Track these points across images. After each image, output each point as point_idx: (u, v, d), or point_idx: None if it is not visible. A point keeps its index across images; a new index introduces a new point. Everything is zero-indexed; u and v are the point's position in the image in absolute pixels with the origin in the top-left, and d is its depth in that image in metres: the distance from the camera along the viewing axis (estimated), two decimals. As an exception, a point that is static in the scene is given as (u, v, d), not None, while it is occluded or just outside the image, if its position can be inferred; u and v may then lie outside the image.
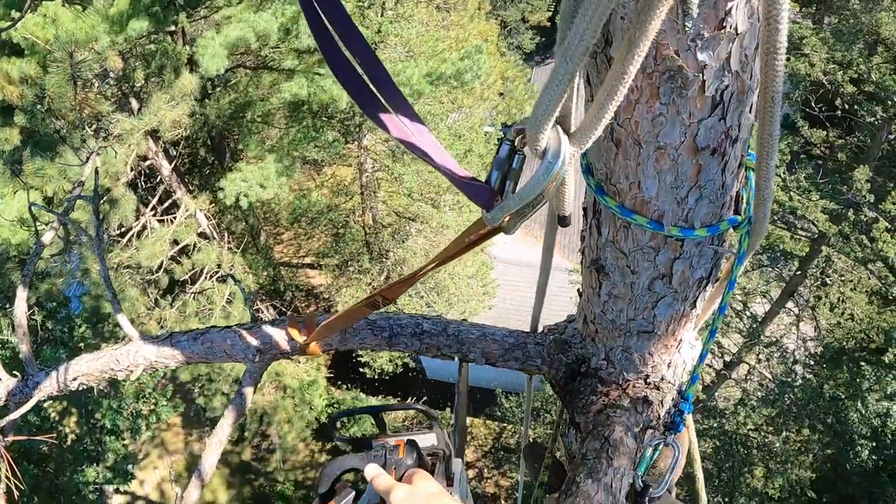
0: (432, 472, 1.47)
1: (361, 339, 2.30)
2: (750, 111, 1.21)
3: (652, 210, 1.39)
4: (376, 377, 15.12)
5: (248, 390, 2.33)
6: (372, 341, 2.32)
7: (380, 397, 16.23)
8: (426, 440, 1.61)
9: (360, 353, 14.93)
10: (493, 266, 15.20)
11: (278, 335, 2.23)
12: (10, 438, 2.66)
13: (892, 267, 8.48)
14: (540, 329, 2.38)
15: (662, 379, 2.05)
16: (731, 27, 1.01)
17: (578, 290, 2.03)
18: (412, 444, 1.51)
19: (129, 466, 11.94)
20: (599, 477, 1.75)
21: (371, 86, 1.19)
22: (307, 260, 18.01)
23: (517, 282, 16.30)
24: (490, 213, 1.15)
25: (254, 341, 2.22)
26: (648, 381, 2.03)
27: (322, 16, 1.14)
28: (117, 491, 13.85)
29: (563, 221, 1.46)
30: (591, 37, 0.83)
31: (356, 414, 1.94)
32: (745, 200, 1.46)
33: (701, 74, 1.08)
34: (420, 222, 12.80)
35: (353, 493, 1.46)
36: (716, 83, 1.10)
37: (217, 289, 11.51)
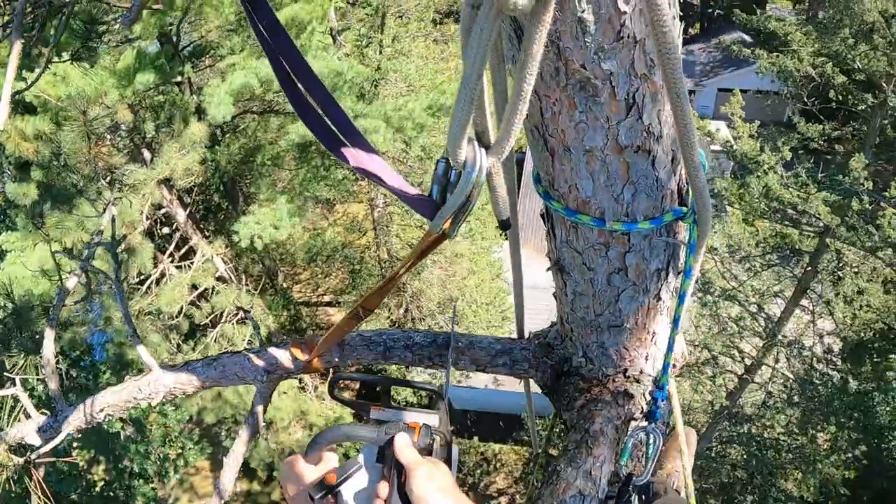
0: (430, 453, 1.52)
1: (358, 354, 2.40)
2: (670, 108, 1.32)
3: (593, 208, 1.49)
4: (403, 405, 15.14)
5: (259, 409, 2.45)
6: (368, 356, 2.41)
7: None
8: (430, 420, 1.64)
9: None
10: (509, 292, 15.24)
11: (283, 356, 2.34)
12: (42, 461, 2.78)
13: None
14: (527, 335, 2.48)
15: (641, 372, 2.13)
16: (628, 36, 1.12)
17: (554, 293, 2.13)
18: (428, 430, 1.54)
19: (160, 512, 12.07)
20: (579, 465, 1.83)
21: (331, 125, 1.34)
22: (326, 298, 18.13)
23: (537, 307, 16.22)
24: (432, 222, 1.27)
25: (261, 363, 2.33)
26: (627, 374, 2.12)
27: (289, 70, 1.30)
28: (148, 535, 13.95)
29: (504, 225, 1.55)
30: (481, 65, 0.95)
31: (364, 381, 1.90)
32: (687, 196, 1.55)
33: (609, 82, 1.19)
34: (434, 253, 12.91)
35: (361, 465, 1.45)
36: (625, 87, 1.21)
37: (237, 331, 11.66)
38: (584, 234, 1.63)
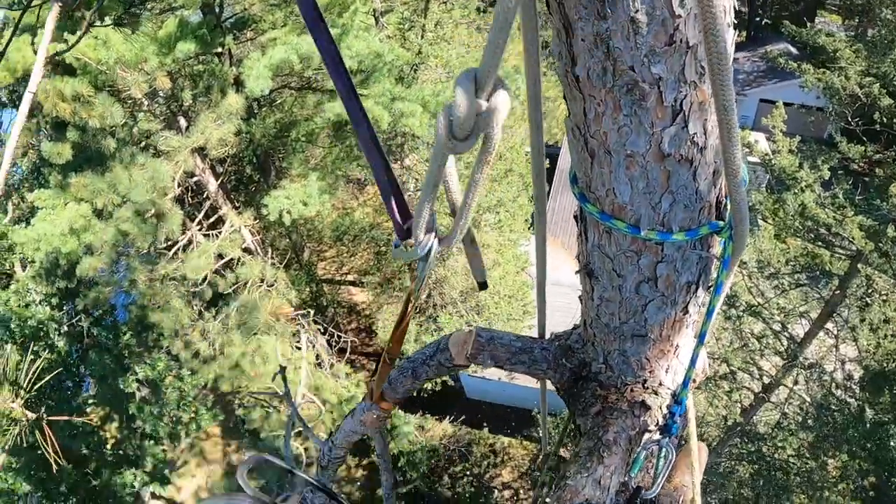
0: None
1: (403, 385, 2.55)
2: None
3: (629, 215, 1.45)
4: (416, 394, 15.18)
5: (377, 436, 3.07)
6: (406, 383, 2.54)
7: (418, 414, 16.25)
8: None
9: (398, 370, 15.00)
10: (532, 286, 15.18)
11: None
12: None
13: None
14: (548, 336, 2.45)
15: (661, 384, 2.09)
16: (680, 41, 1.10)
17: (579, 296, 2.10)
18: None
19: (167, 472, 12.18)
20: (589, 473, 1.81)
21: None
22: (349, 277, 18.21)
23: (557, 302, 16.18)
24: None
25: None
26: (647, 385, 2.08)
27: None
28: (154, 495, 14.09)
29: (481, 286, 1.88)
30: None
31: (274, 467, 1.82)
32: (726, 210, 1.50)
33: (657, 86, 1.16)
34: (462, 242, 12.86)
35: None
36: (673, 94, 1.18)
37: (260, 303, 11.76)
38: (617, 239, 1.59)
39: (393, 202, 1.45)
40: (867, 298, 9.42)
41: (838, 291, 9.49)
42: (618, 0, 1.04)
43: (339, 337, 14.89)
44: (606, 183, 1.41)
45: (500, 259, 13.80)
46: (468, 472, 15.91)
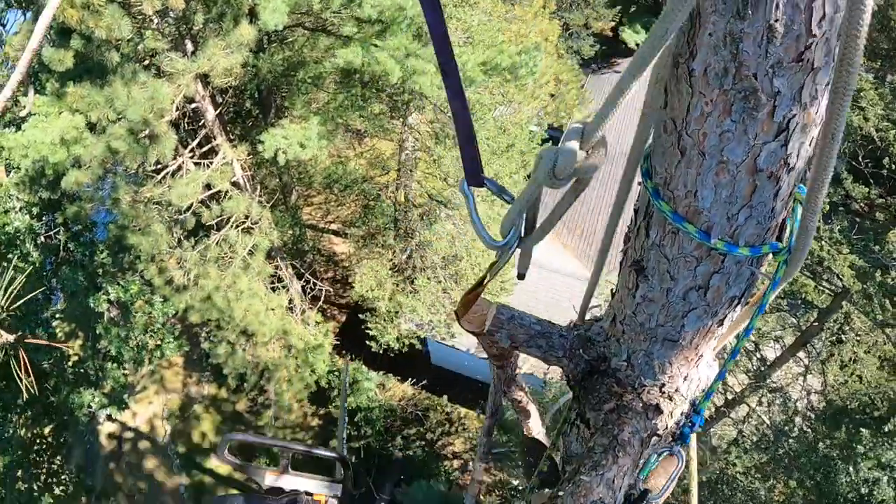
0: None
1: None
2: (810, 144, 1.27)
3: (703, 221, 1.42)
4: (381, 352, 15.18)
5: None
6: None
7: (381, 373, 16.30)
8: (334, 489, 1.56)
9: (368, 325, 14.97)
10: (513, 265, 15.19)
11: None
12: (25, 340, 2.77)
13: None
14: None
15: (677, 390, 2.08)
16: (808, 61, 1.08)
17: (612, 290, 2.06)
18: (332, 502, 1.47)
19: (126, 396, 12.11)
20: (602, 472, 1.79)
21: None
22: (334, 226, 18.07)
23: (537, 283, 16.27)
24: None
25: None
26: (663, 390, 2.06)
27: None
28: (109, 418, 14.05)
29: (520, 277, 1.98)
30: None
31: (256, 446, 1.73)
32: (788, 230, 1.50)
33: (773, 100, 1.15)
34: (451, 208, 12.81)
35: None
36: (784, 111, 1.16)
37: (241, 239, 11.62)
38: (682, 243, 1.55)
39: (468, 152, 1.55)
40: (842, 335, 9.57)
41: (816, 323, 9.62)
42: (760, 4, 1.02)
43: (315, 284, 14.81)
44: (689, 185, 1.38)
45: (486, 232, 13.75)
46: (422, 437, 16.03)
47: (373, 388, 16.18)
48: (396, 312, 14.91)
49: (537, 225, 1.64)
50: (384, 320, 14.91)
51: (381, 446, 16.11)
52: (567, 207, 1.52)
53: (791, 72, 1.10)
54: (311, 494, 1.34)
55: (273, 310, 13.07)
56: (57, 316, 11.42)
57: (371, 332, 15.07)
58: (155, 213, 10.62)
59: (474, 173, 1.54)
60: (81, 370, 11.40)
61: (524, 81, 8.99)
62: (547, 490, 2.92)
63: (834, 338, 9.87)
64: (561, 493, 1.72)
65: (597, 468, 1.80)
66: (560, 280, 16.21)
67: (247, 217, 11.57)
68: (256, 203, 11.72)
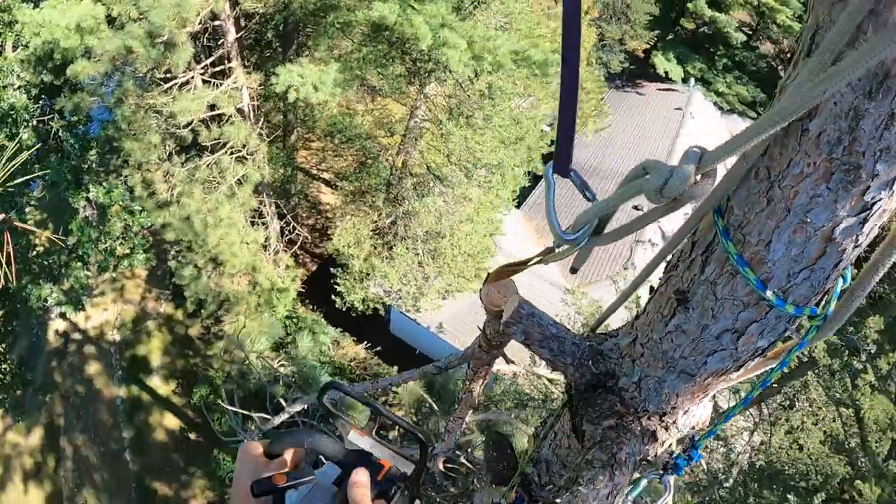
0: (389, 501, 1.40)
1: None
2: (879, 228, 1.33)
3: (764, 271, 1.45)
4: (344, 309, 15.15)
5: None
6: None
7: (338, 330, 16.28)
8: (404, 466, 1.52)
9: (337, 280, 14.92)
10: (495, 254, 15.21)
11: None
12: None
13: (861, 419, 8.57)
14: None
15: (675, 422, 2.10)
16: None
17: (639, 313, 2.07)
18: (396, 475, 1.44)
19: (83, 298, 11.92)
20: (598, 488, 1.81)
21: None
22: (325, 175, 17.92)
23: (520, 280, 16.31)
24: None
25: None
26: (664, 419, 2.08)
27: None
28: (62, 315, 13.86)
29: (573, 271, 1.89)
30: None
31: (353, 398, 1.76)
32: (828, 300, 1.52)
33: (870, 180, 1.19)
34: (445, 185, 12.76)
35: (314, 478, 1.35)
36: (875, 193, 1.21)
37: (233, 167, 11.47)
38: (736, 286, 1.56)
39: (566, 141, 1.51)
40: (796, 402, 9.72)
41: (776, 385, 9.75)
42: (891, 91, 1.06)
43: (294, 228, 14.71)
44: (764, 234, 1.40)
45: (474, 217, 13.75)
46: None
47: (327, 343, 16.17)
48: (368, 274, 14.88)
49: (607, 229, 1.65)
50: (354, 279, 14.87)
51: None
52: (649, 223, 1.50)
53: (894, 160, 1.14)
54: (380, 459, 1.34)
55: (248, 244, 12.97)
56: (31, 203, 11.16)
57: (338, 288, 15.04)
58: (153, 122, 10.42)
59: (565, 163, 1.52)
60: (45, 262, 11.17)
61: (551, 80, 8.94)
62: (503, 488, 2.94)
63: (788, 402, 10.02)
64: (558, 501, 1.73)
65: (594, 482, 1.82)
66: (536, 282, 16.29)
67: (244, 146, 11.41)
68: (256, 134, 11.56)
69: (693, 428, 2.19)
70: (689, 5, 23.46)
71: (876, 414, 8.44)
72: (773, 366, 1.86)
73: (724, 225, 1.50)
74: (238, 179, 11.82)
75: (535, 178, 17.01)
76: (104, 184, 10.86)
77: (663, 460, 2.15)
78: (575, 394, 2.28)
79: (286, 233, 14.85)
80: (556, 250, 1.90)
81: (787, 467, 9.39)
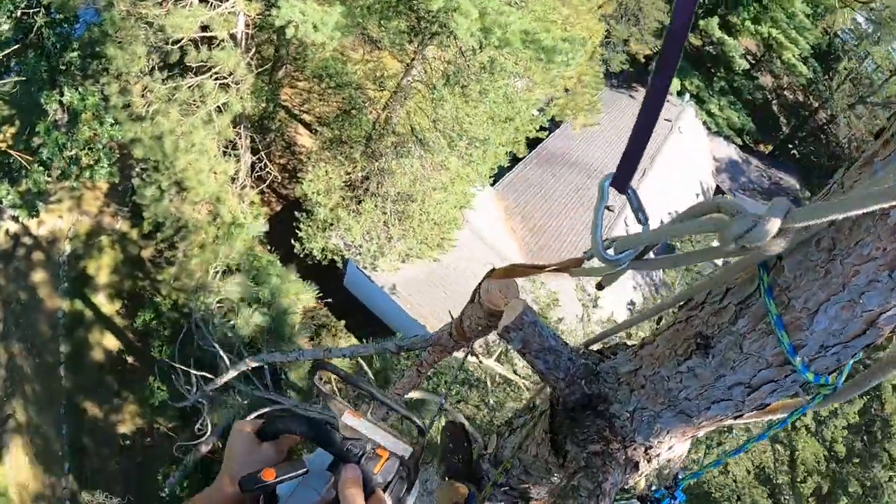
0: (385, 489, 1.36)
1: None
2: None
3: (799, 338, 1.42)
4: (301, 255, 14.96)
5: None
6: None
7: (293, 276, 16.09)
8: (403, 451, 1.47)
9: (300, 226, 14.71)
10: (461, 227, 15.15)
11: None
12: None
13: (794, 459, 8.89)
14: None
15: (658, 456, 2.08)
16: None
17: (644, 340, 2.02)
18: (394, 465, 1.39)
19: (39, 204, 11.50)
20: (581, 515, 1.78)
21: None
22: (306, 117, 17.56)
23: (473, 253, 16.33)
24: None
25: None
26: (649, 452, 2.05)
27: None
28: (14, 218, 13.37)
29: (601, 287, 1.81)
30: None
31: (345, 382, 1.72)
32: (840, 374, 1.53)
33: None
34: (426, 150, 12.59)
35: (305, 471, 1.33)
36: None
37: (216, 93, 11.13)
38: (765, 345, 1.53)
39: (633, 157, 1.44)
40: (734, 428, 10.07)
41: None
42: None
43: (266, 165, 14.40)
44: (811, 304, 1.37)
45: (448, 186, 13.63)
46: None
47: (278, 287, 15.98)
48: (332, 224, 14.69)
49: (649, 255, 1.60)
50: (317, 227, 14.68)
51: (265, 343, 15.99)
52: (702, 261, 1.49)
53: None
54: (378, 446, 1.27)
55: (216, 174, 12.68)
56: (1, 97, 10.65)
57: (300, 234, 14.83)
58: (142, 33, 10.01)
59: (625, 179, 1.45)
60: (5, 161, 10.71)
61: (555, 67, 8.80)
62: (455, 483, 2.90)
63: (725, 427, 10.34)
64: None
65: (578, 509, 1.79)
66: (492, 259, 16.33)
67: (230, 74, 11.07)
68: (245, 64, 11.22)
69: (669, 461, 2.18)
70: (701, 22, 23.58)
71: (806, 455, 8.75)
72: (771, 420, 1.87)
73: (770, 282, 1.46)
74: (218, 107, 11.49)
75: (514, 159, 16.94)
76: (80, 89, 10.40)
77: (641, 492, 2.14)
78: (561, 409, 2.23)
79: (257, 169, 14.52)
80: (586, 264, 1.84)
81: (716, 492, 9.69)
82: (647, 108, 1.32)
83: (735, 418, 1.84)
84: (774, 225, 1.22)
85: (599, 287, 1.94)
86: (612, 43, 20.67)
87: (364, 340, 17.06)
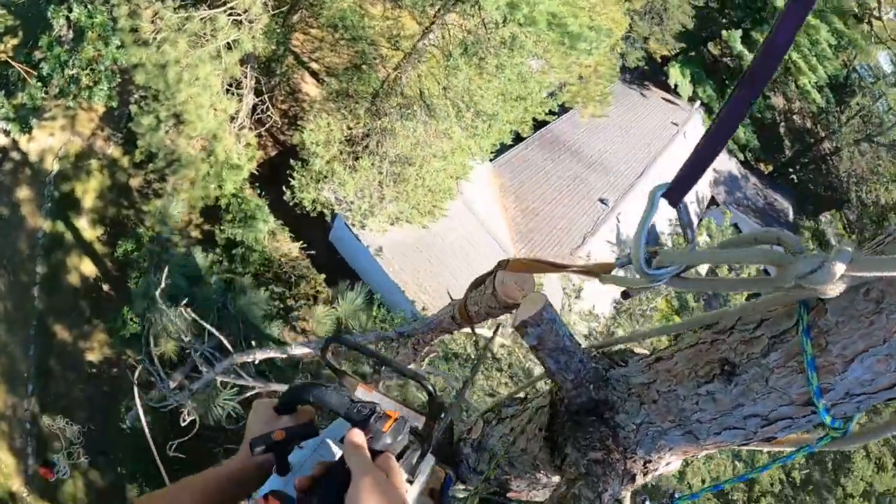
0: (399, 457, 1.35)
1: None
2: None
3: (828, 381, 1.41)
4: (291, 204, 14.82)
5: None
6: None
7: (279, 222, 15.99)
8: (414, 418, 1.47)
9: (294, 174, 14.56)
10: (455, 198, 15.07)
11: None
12: None
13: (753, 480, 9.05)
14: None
15: (655, 471, 2.08)
16: None
17: (660, 354, 2.01)
18: (402, 427, 1.37)
19: (33, 120, 11.23)
20: (581, 528, 1.78)
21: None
22: (315, 66, 17.28)
23: (462, 225, 16.30)
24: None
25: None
26: (647, 465, 2.05)
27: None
28: (5, 132, 13.09)
29: (626, 296, 1.78)
30: None
31: (356, 350, 1.73)
32: (851, 420, 1.54)
33: None
34: (431, 117, 12.46)
35: (316, 433, 1.35)
36: None
37: (227, 29, 10.91)
38: (792, 381, 1.53)
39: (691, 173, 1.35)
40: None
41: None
42: None
43: (267, 109, 14.21)
44: (848, 352, 1.36)
45: (449, 156, 13.54)
46: (283, 300, 15.93)
47: (264, 232, 15.89)
48: (326, 177, 14.55)
49: (688, 274, 1.54)
50: (311, 178, 14.53)
51: (242, 288, 15.90)
52: (743, 290, 1.51)
53: None
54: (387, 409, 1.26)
55: (216, 110, 12.51)
56: (3, 5, 10.30)
57: (292, 182, 14.68)
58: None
59: (681, 193, 1.39)
60: (3, 73, 10.41)
61: (576, 54, 8.68)
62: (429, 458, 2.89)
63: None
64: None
65: (577, 519, 1.79)
66: (480, 234, 16.31)
67: (245, 11, 10.86)
68: (262, 2, 11.00)
69: (660, 475, 2.19)
70: (724, 33, 23.47)
71: (763, 475, 8.94)
72: (776, 451, 1.87)
73: (809, 322, 1.44)
74: (228, 43, 11.28)
75: (517, 138, 16.82)
76: (88, 6, 10.12)
77: None
78: (564, 410, 2.21)
79: (258, 111, 14.33)
80: (616, 270, 1.80)
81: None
82: (723, 121, 1.25)
83: (741, 446, 1.84)
84: (839, 270, 1.20)
85: (625, 296, 1.91)
86: (633, 38, 20.54)
87: (340, 298, 17.03)
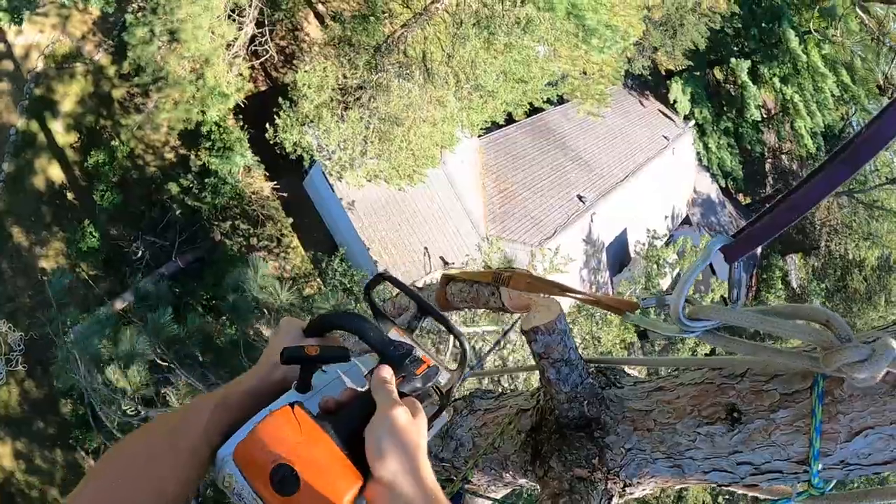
0: (421, 401, 1.36)
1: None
2: None
3: (828, 448, 1.46)
4: (271, 142, 14.55)
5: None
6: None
7: (256, 158, 15.74)
8: (441, 372, 1.48)
9: (280, 113, 14.28)
10: (436, 166, 14.97)
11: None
12: None
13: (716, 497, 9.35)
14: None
15: (631, 494, 2.12)
16: None
17: (661, 384, 2.04)
18: (433, 374, 1.38)
19: (25, 13, 10.78)
20: (562, 542, 1.82)
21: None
22: (320, 7, 16.89)
23: (438, 195, 16.24)
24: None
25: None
26: (625, 489, 2.09)
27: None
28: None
29: (645, 336, 1.78)
30: None
31: (402, 291, 1.73)
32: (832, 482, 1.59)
33: None
34: (432, 84, 12.31)
35: (348, 357, 1.31)
36: None
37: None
38: (794, 440, 1.57)
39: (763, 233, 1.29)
40: None
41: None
42: None
43: (265, 42, 13.89)
44: (856, 425, 1.41)
45: (439, 123, 13.41)
46: (247, 237, 15.75)
47: (240, 166, 15.64)
48: (312, 121, 14.29)
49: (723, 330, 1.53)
50: (297, 120, 14.27)
51: (209, 218, 15.67)
52: (784, 361, 1.48)
53: None
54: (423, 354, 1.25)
55: (214, 34, 12.21)
56: None
57: (277, 120, 14.40)
58: None
59: (740, 252, 1.34)
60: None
61: (586, 49, 8.62)
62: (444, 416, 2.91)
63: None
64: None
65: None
66: (455, 207, 16.27)
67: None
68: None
69: (633, 497, 2.23)
70: (733, 60, 23.47)
71: (694, 493, 9.17)
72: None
73: (824, 388, 1.49)
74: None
75: (510, 120, 16.72)
76: None
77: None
78: (553, 421, 2.23)
79: (255, 42, 14.00)
80: (640, 311, 1.81)
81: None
82: (810, 191, 1.16)
83: (721, 485, 1.89)
84: (884, 366, 1.22)
85: (643, 336, 1.95)
86: (643, 46, 20.46)
87: (305, 244, 16.90)
